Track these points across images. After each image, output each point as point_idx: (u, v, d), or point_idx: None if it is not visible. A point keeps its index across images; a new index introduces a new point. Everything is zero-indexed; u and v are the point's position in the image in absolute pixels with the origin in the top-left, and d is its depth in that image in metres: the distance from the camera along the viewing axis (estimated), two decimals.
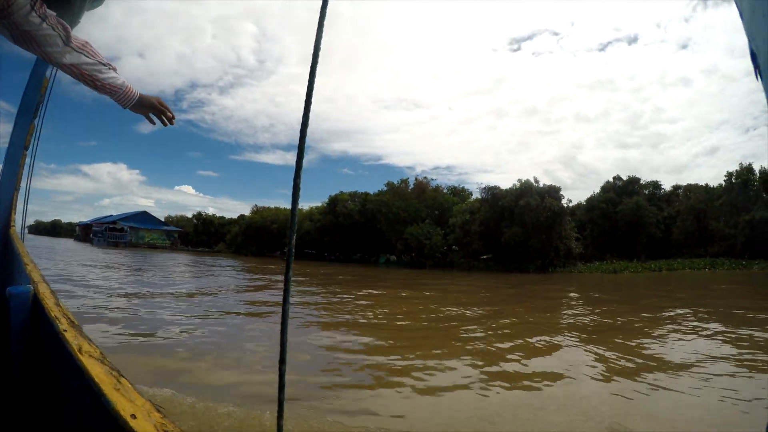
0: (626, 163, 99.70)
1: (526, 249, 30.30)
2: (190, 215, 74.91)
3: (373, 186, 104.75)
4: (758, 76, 0.43)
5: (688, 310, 11.60)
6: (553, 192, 31.15)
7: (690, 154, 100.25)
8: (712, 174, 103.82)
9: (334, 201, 46.77)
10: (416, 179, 42.96)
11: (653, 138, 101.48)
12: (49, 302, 1.45)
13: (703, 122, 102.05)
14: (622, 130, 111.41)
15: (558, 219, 29.90)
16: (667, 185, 43.30)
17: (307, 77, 0.80)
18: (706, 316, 10.84)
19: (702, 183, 41.22)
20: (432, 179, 43.82)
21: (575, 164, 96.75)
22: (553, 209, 29.72)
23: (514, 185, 33.09)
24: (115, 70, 1.19)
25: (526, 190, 31.46)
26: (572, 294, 17.11)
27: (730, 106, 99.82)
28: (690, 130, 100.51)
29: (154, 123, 1.33)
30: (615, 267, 30.35)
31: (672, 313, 11.15)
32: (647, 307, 12.80)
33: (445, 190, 44.52)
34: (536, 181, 31.93)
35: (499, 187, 33.79)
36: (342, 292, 15.30)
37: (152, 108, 1.30)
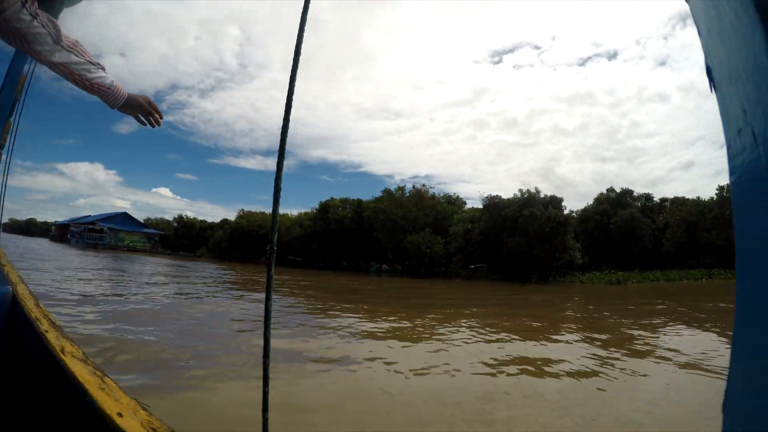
0: (603, 177, 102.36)
1: (529, 259, 30.08)
2: (168, 218, 72.28)
3: (353, 193, 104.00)
4: (712, 89, 0.50)
5: None
6: (555, 202, 31.21)
7: (666, 168, 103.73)
8: (687, 188, 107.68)
9: (325, 207, 45.40)
10: (414, 186, 41.79)
11: (630, 152, 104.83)
12: (28, 303, 1.45)
13: (679, 138, 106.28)
14: (599, 143, 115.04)
15: (561, 229, 29.89)
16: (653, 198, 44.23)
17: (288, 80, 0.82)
18: None
19: (679, 196, 42.46)
20: (431, 187, 42.86)
21: (552, 176, 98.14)
22: (558, 219, 29.69)
23: (515, 195, 33.02)
24: (103, 69, 1.17)
25: (529, 199, 31.35)
26: (660, 304, 16.02)
27: (705, 122, 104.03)
28: (666, 144, 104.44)
29: (144, 124, 1.29)
30: (618, 278, 30.46)
31: None
32: None
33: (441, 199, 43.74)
34: (538, 192, 32.01)
35: (500, 197, 33.66)
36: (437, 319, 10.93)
37: (140, 108, 1.26)
